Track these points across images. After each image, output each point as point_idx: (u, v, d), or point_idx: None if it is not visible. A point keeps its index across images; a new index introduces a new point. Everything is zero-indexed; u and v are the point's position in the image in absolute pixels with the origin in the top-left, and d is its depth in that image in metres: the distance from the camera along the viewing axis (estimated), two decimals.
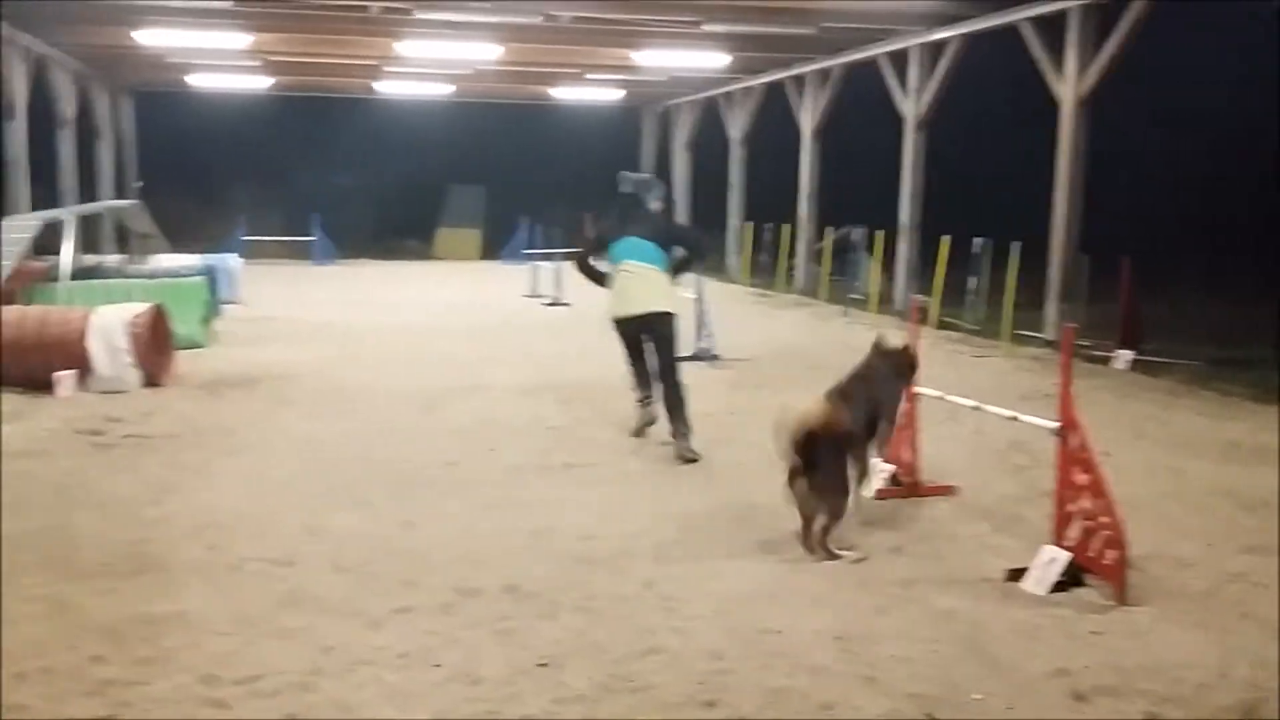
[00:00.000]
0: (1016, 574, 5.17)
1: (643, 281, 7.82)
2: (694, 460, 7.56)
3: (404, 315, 15.66)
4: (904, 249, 16.35)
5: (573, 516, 6.20)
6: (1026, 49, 13.47)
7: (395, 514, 6.21)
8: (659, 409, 8.01)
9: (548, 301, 17.41)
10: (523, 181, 28.66)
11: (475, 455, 7.61)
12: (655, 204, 8.39)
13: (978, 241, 13.34)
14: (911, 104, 16.24)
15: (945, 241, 13.46)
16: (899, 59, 16.49)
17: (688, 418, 7.77)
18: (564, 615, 4.78)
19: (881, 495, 6.50)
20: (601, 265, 8.13)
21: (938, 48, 15.68)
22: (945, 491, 6.62)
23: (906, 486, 6.55)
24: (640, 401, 8.20)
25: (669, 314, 7.85)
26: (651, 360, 7.94)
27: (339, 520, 6.07)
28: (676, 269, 8.04)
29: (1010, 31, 13.83)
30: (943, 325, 14.08)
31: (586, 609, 4.85)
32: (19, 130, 16.80)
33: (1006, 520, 6.15)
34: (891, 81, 16.72)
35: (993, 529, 6.00)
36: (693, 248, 8.27)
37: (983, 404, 6.22)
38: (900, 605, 4.92)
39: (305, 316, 15.25)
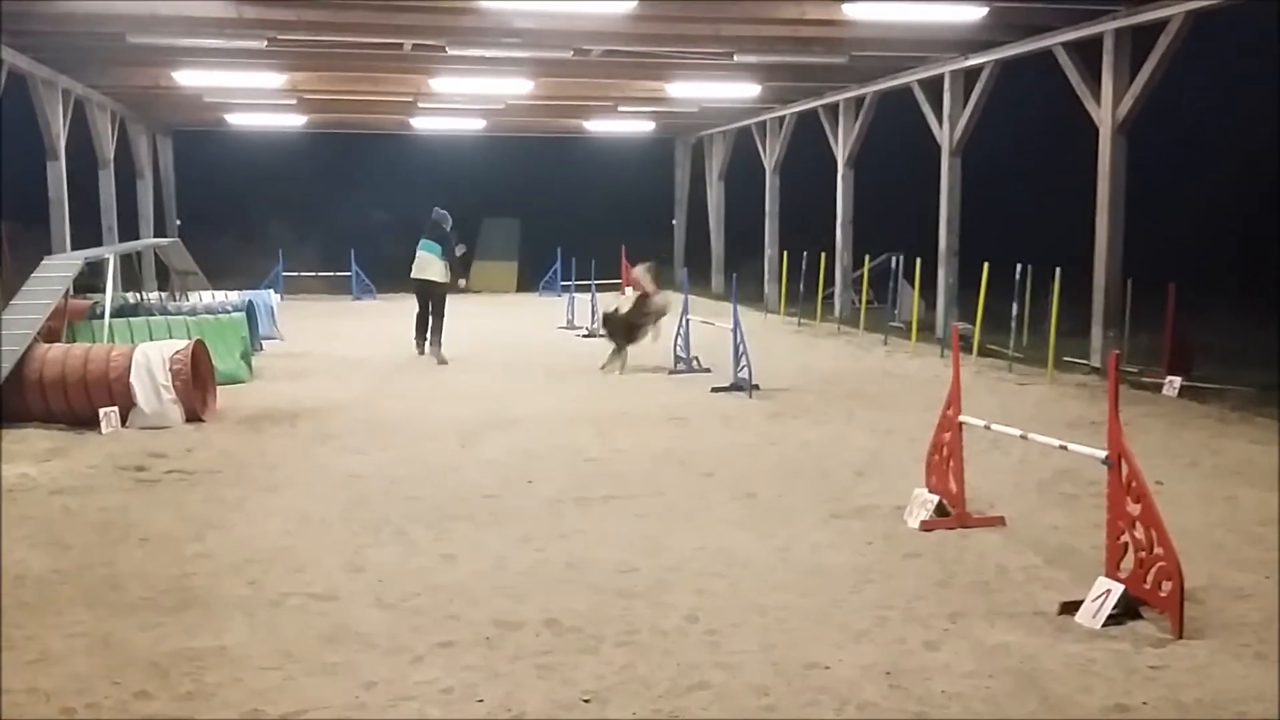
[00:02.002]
0: (1070, 607, 5.05)
1: (428, 263, 14.32)
2: (445, 363, 13.84)
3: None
4: (943, 276, 16.22)
5: (611, 549, 6.14)
6: (1063, 74, 13.38)
7: (435, 548, 6.18)
8: (429, 347, 14.33)
9: (584, 333, 17.41)
10: (558, 213, 28.78)
11: (513, 488, 7.58)
12: (447, 226, 14.53)
13: (1018, 267, 13.18)
14: (947, 130, 16.18)
15: (985, 267, 13.32)
16: (933, 85, 16.45)
17: (442, 337, 14.27)
18: (606, 649, 4.72)
19: (927, 526, 6.40)
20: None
21: (972, 74, 15.63)
22: (993, 522, 6.50)
23: (953, 517, 6.44)
24: (417, 341, 14.54)
25: (440, 281, 14.29)
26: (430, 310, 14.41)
27: (379, 555, 6.05)
28: (452, 261, 14.48)
29: (1046, 56, 13.75)
30: (985, 352, 13.92)
31: (629, 643, 4.79)
32: (60, 170, 17.10)
33: (1057, 552, 6.02)
34: (926, 108, 16.67)
35: (1043, 561, 5.87)
36: (448, 252, 14.41)
37: (1029, 433, 6.11)
38: (950, 639, 4.81)
39: (343, 351, 15.32)
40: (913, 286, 16.68)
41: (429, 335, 14.31)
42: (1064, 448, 5.69)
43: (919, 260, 16.14)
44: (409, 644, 4.77)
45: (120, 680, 4.40)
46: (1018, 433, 6.17)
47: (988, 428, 6.32)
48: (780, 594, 5.40)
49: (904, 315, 17.22)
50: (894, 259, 17.67)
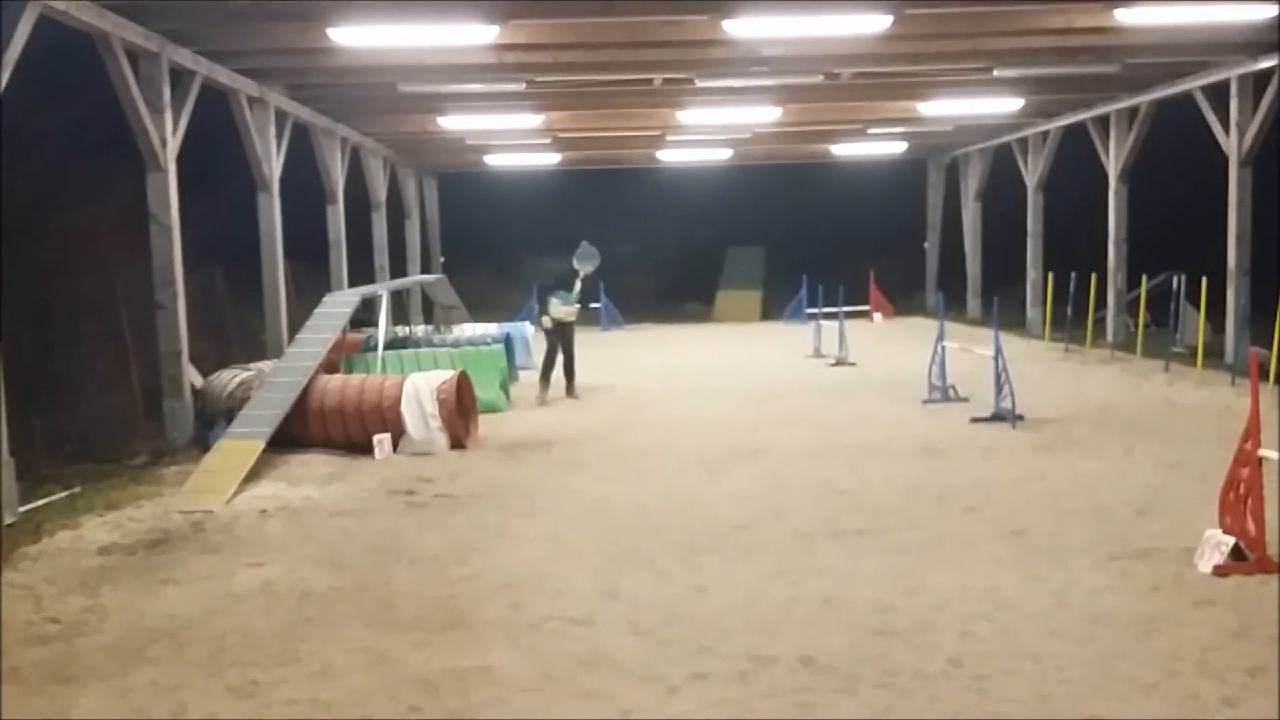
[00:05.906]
0: None
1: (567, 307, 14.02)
2: (575, 398, 13.65)
3: (687, 378, 15.82)
4: (1233, 296, 14.86)
5: (867, 585, 5.92)
6: None
7: (686, 578, 6.16)
8: (548, 395, 13.56)
9: (832, 362, 17.11)
10: (803, 240, 28.54)
11: (763, 519, 7.47)
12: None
13: None
14: (1234, 139, 14.87)
15: None
16: (1218, 91, 15.16)
17: (575, 379, 14.00)
18: (864, 690, 4.54)
19: (1222, 571, 5.82)
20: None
21: (1263, 77, 14.30)
22: None
23: (1252, 562, 5.83)
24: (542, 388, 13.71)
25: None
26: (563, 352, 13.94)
27: (632, 582, 6.09)
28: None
29: None
30: None
31: (888, 685, 4.59)
32: (339, 213, 18.51)
33: None
34: (1210, 116, 15.39)
35: None
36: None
37: None
38: (1251, 696, 4.38)
39: (592, 381, 15.66)
40: (1197, 309, 15.37)
41: (565, 377, 13.94)
42: None
43: (1204, 280, 14.86)
44: (663, 673, 4.75)
45: (395, 696, 4.60)
46: None
47: None
48: (1055, 640, 5.03)
49: (1187, 340, 15.88)
50: (1175, 279, 16.33)
